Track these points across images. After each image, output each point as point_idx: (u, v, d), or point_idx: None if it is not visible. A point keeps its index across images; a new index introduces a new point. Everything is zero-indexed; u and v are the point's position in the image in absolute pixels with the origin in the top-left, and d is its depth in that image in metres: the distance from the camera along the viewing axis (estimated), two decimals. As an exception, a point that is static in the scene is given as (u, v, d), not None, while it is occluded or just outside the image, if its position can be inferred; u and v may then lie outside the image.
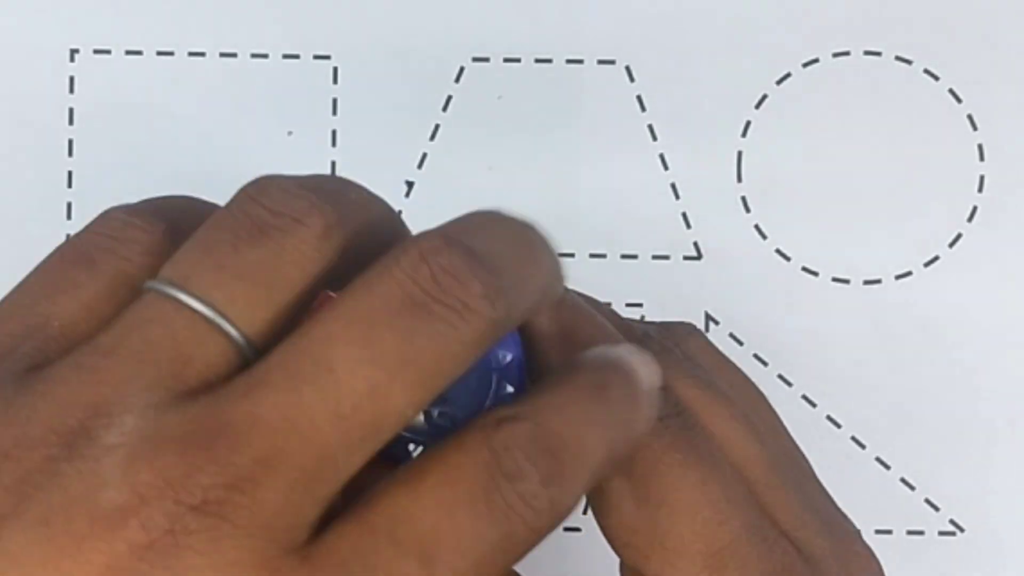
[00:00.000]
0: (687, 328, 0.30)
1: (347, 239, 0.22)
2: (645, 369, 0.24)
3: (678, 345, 0.28)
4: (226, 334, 0.21)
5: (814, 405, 0.39)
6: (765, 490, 0.27)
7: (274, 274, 0.21)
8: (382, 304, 0.20)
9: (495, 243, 0.22)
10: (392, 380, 0.20)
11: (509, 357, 0.24)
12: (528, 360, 0.25)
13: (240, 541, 0.19)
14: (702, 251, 0.39)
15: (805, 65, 0.39)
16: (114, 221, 0.23)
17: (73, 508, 0.19)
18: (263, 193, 0.22)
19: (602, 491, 0.25)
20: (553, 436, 0.21)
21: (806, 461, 0.30)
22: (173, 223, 0.23)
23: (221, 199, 0.39)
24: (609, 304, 0.39)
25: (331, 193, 0.22)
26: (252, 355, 0.21)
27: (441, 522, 0.20)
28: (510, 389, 0.24)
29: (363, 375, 0.20)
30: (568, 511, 0.21)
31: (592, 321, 0.26)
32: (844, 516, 0.29)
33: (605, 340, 0.26)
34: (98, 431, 0.19)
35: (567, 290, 0.27)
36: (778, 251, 0.39)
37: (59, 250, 0.23)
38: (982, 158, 0.39)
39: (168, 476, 0.19)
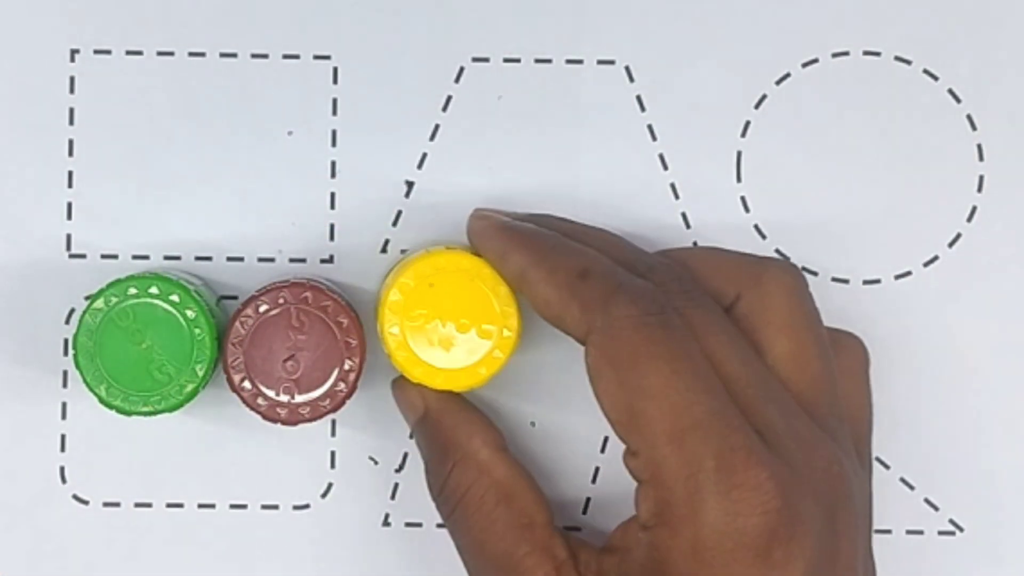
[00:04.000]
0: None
1: None
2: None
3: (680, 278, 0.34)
4: None
5: (814, 405, 0.39)
6: (744, 398, 0.32)
7: None
8: None
9: None
10: None
11: None
12: None
13: None
14: (702, 251, 0.39)
15: (804, 65, 0.39)
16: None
17: None
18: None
19: (595, 378, 0.32)
20: None
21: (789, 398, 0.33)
22: None
23: (220, 198, 0.39)
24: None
25: None
26: None
27: None
28: None
29: None
30: None
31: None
32: (826, 444, 0.32)
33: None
34: None
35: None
36: (777, 251, 0.39)
37: None
38: (981, 158, 0.39)
39: None
